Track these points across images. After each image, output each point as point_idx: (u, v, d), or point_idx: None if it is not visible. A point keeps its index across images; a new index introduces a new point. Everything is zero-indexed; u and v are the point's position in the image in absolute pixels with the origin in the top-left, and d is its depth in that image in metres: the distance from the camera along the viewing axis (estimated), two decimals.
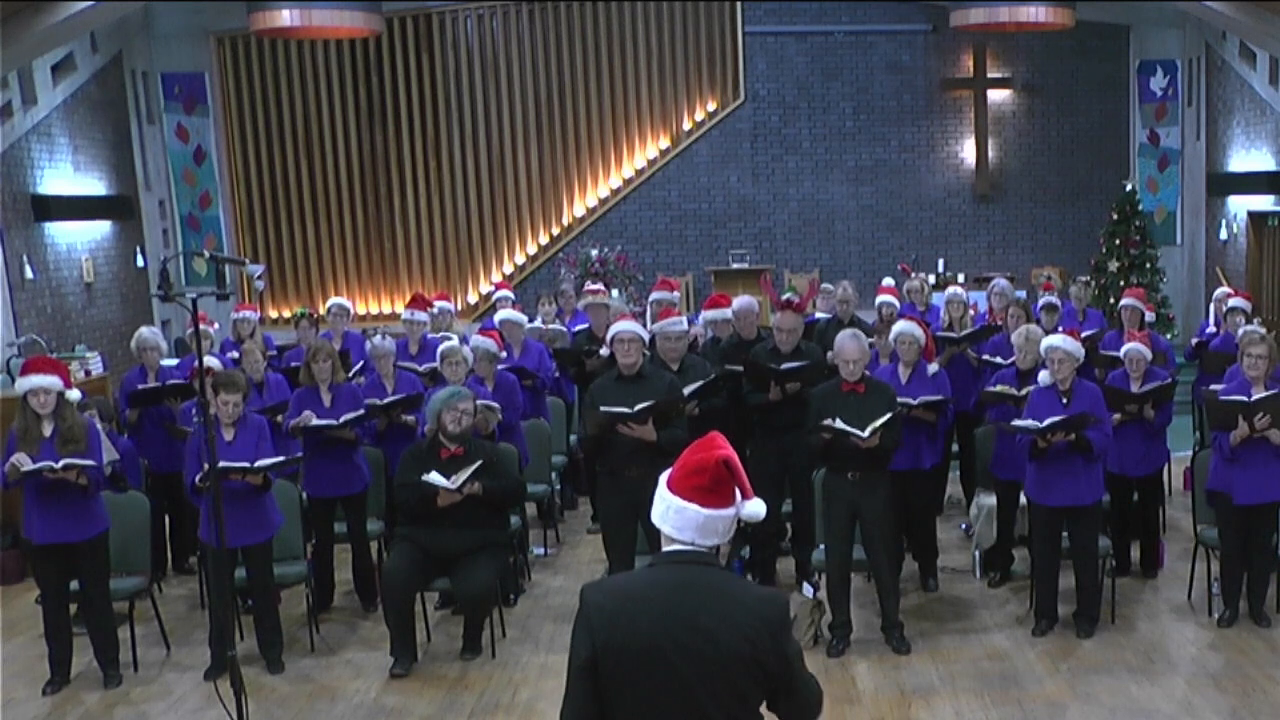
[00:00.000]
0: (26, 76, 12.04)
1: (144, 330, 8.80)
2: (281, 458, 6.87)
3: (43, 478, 6.36)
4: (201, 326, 8.84)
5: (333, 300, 10.86)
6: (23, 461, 6.32)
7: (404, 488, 6.80)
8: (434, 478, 6.61)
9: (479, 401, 7.70)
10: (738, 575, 3.15)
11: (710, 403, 7.55)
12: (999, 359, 8.54)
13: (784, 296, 8.35)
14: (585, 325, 10.10)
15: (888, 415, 6.60)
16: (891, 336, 7.83)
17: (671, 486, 3.04)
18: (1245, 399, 6.83)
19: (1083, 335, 8.47)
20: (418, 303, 9.95)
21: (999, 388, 7.66)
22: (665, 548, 3.07)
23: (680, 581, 3.00)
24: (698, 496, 3.00)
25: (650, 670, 2.98)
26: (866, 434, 6.52)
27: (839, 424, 6.56)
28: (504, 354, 8.78)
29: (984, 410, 8.12)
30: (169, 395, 8.28)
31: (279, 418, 7.69)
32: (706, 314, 8.95)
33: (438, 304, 10.47)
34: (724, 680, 2.97)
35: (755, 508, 3.05)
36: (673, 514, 3.02)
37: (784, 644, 3.02)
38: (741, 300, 8.58)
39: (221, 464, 6.33)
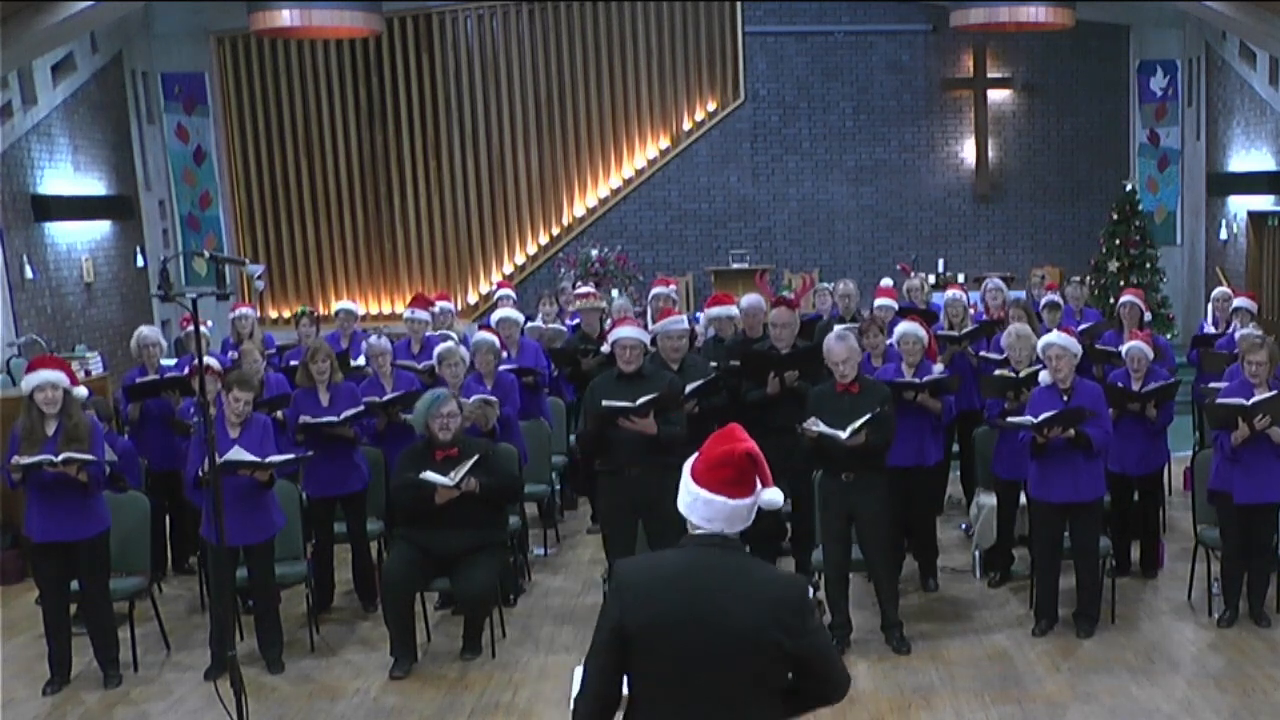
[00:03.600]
0: (26, 76, 12.04)
1: (144, 329, 8.83)
2: (290, 455, 6.87)
3: (43, 474, 6.36)
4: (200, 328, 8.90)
5: (340, 304, 10.93)
6: (22, 459, 6.32)
7: (401, 489, 6.79)
8: (431, 476, 6.60)
9: (477, 397, 7.70)
10: (760, 560, 3.30)
11: (710, 401, 7.56)
12: (994, 355, 8.56)
13: (779, 294, 8.37)
14: (580, 322, 10.14)
15: (867, 415, 6.57)
16: (895, 338, 7.82)
17: (698, 479, 3.19)
18: (1244, 401, 6.82)
19: (1079, 329, 8.49)
20: (419, 302, 10.06)
21: (1000, 372, 7.68)
22: (692, 532, 3.22)
23: (706, 563, 3.17)
24: (725, 489, 3.15)
25: (671, 645, 3.13)
26: (845, 435, 6.51)
27: (819, 426, 6.56)
28: (505, 354, 8.80)
29: (986, 407, 8.12)
30: (168, 387, 8.30)
31: (279, 413, 7.69)
32: (710, 311, 8.98)
33: (438, 304, 10.51)
34: (741, 659, 3.12)
35: (773, 495, 3.21)
36: (701, 505, 3.18)
37: (801, 625, 3.14)
38: (750, 298, 8.73)
39: (231, 455, 6.35)
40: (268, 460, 6.58)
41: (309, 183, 16.04)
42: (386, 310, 16.02)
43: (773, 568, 3.30)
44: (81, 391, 6.66)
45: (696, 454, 3.26)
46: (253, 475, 6.59)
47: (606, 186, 16.27)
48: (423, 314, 9.81)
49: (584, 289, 11.67)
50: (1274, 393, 6.82)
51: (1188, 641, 7.01)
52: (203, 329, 9.14)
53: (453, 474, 6.59)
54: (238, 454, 6.46)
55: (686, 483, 3.21)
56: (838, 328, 7.28)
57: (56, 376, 6.48)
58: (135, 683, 6.80)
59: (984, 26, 13.28)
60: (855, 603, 7.14)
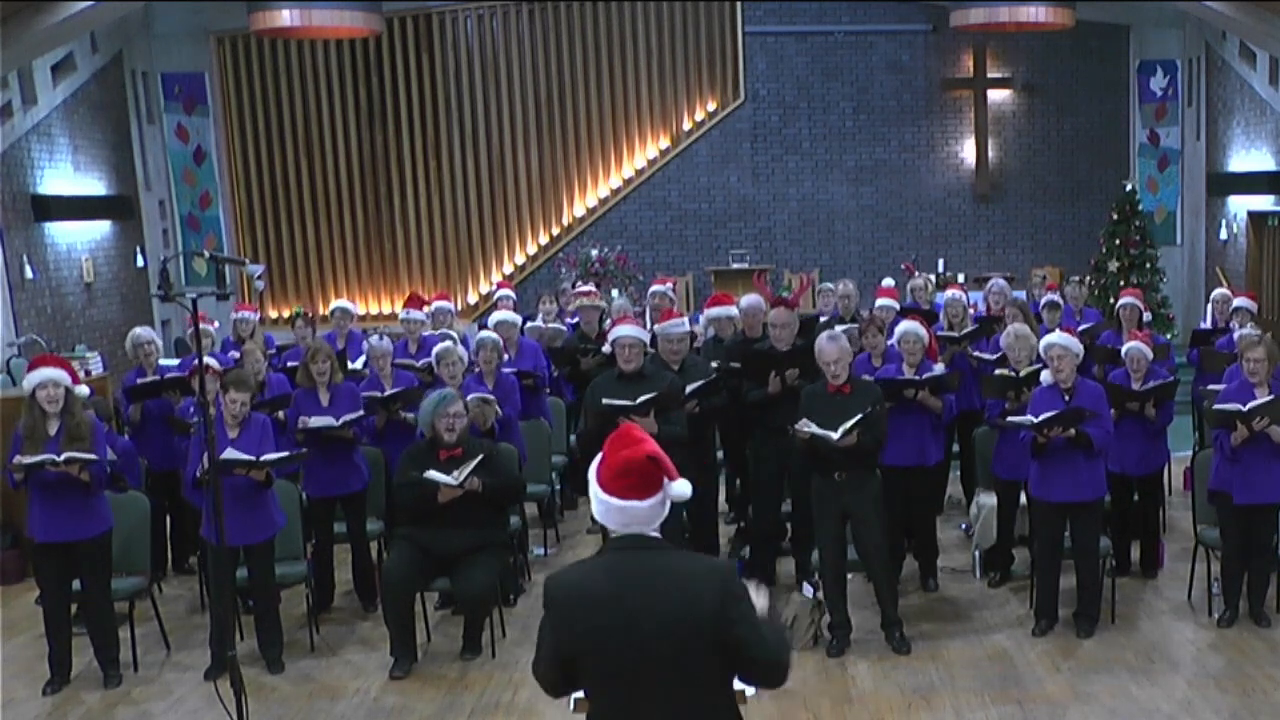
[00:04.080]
0: (26, 76, 12.05)
1: (137, 329, 8.77)
2: (286, 453, 6.86)
3: (45, 473, 6.36)
4: (201, 325, 8.92)
5: (335, 303, 10.91)
6: (24, 459, 6.32)
7: (403, 487, 6.79)
8: (435, 475, 6.60)
9: (475, 395, 7.70)
10: (683, 551, 3.34)
11: (710, 401, 7.56)
12: (989, 355, 8.56)
13: (778, 294, 8.35)
14: (579, 321, 10.14)
15: (858, 415, 6.56)
16: (895, 337, 7.81)
17: (605, 488, 3.22)
18: (1240, 407, 6.81)
19: (1079, 329, 8.49)
20: (413, 302, 10.12)
21: (1001, 371, 7.67)
22: (613, 536, 3.27)
23: (627, 568, 3.21)
24: (633, 494, 3.19)
25: (607, 654, 3.19)
26: (838, 436, 6.51)
27: (811, 427, 6.56)
28: (506, 355, 8.80)
29: (986, 408, 8.11)
30: (168, 388, 8.29)
31: (281, 414, 7.69)
32: (709, 312, 8.99)
33: (436, 303, 10.53)
34: (673, 657, 3.15)
35: (680, 488, 3.25)
36: (614, 512, 3.21)
37: (727, 612, 3.15)
38: (749, 298, 8.69)
39: (226, 455, 6.34)
40: (262, 460, 6.57)
41: (309, 183, 16.05)
42: (387, 310, 16.01)
43: (697, 559, 3.32)
44: (83, 390, 6.65)
45: (599, 459, 3.26)
46: (248, 475, 6.59)
47: (606, 186, 16.27)
48: (417, 314, 9.86)
49: (584, 287, 11.68)
50: (1270, 398, 6.81)
51: (1188, 641, 7.01)
52: (210, 328, 9.18)
53: (456, 473, 6.59)
54: (232, 454, 6.45)
55: (595, 492, 3.24)
56: (837, 328, 7.28)
57: (59, 374, 6.47)
58: (135, 683, 6.80)
59: (984, 26, 13.28)
60: (855, 602, 7.14)
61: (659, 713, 3.20)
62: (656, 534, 3.25)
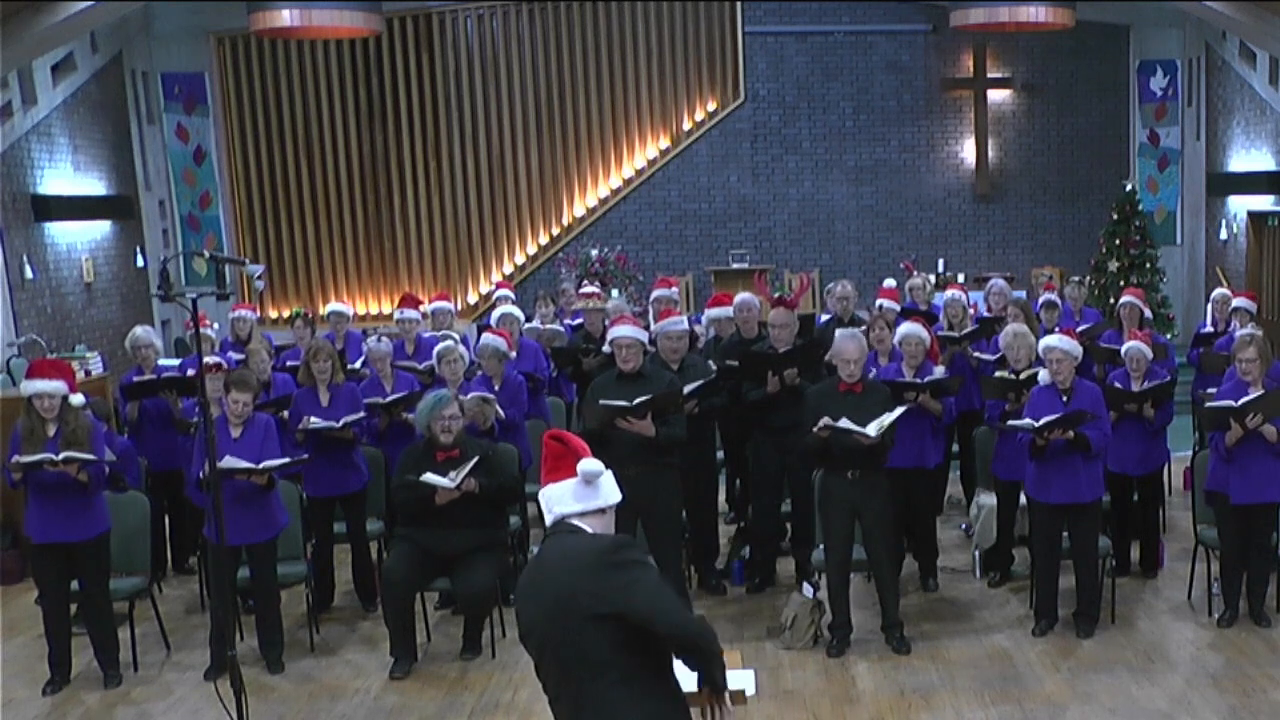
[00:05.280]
0: (26, 76, 12.05)
1: (137, 330, 8.75)
2: (287, 459, 6.87)
3: (44, 473, 6.36)
4: (202, 330, 8.91)
5: (331, 307, 10.87)
6: (22, 458, 6.32)
7: (402, 488, 6.79)
8: (431, 477, 6.60)
9: (474, 394, 7.69)
10: (588, 534, 3.40)
11: (710, 402, 7.56)
12: (989, 356, 8.56)
13: (775, 295, 8.34)
14: (582, 322, 10.13)
15: (897, 411, 6.58)
16: (897, 338, 7.82)
17: (542, 485, 3.47)
18: (1233, 403, 6.82)
19: (1079, 329, 8.50)
20: (408, 302, 10.09)
21: (1000, 373, 7.68)
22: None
23: (545, 553, 3.42)
24: (551, 477, 3.43)
25: (529, 636, 3.40)
26: (874, 433, 6.51)
27: (845, 423, 6.55)
28: (513, 354, 8.79)
29: (986, 409, 8.12)
30: (165, 387, 8.28)
31: (284, 413, 7.69)
32: (710, 312, 8.98)
33: (436, 303, 10.52)
34: (569, 633, 3.26)
35: (586, 465, 3.39)
36: (543, 503, 3.44)
37: (602, 586, 3.23)
38: (742, 297, 8.61)
39: (225, 464, 6.34)
40: (262, 466, 6.58)
41: (309, 183, 16.04)
42: (387, 310, 15.99)
43: (591, 538, 3.40)
44: (78, 399, 6.63)
45: None
46: (249, 479, 6.59)
47: (606, 186, 16.27)
48: (412, 313, 9.83)
49: (589, 289, 11.67)
50: (1261, 393, 6.81)
51: (1187, 641, 7.01)
52: (209, 330, 9.17)
53: (453, 475, 6.59)
54: (230, 462, 6.44)
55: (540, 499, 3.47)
56: (848, 329, 7.28)
57: (53, 387, 6.46)
58: (135, 683, 6.81)
59: (984, 26, 13.27)
60: (855, 602, 7.14)
61: (566, 696, 3.32)
62: (580, 522, 3.38)
